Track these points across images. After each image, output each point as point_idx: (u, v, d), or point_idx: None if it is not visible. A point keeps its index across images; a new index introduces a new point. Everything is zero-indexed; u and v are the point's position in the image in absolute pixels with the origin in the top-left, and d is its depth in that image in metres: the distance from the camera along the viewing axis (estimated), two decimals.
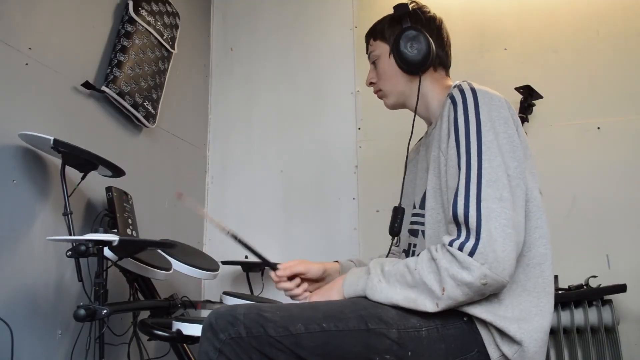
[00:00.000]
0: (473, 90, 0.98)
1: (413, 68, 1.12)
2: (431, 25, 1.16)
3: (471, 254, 0.85)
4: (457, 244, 0.87)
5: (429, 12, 1.18)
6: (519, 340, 0.89)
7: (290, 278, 1.15)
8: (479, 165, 0.91)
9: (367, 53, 1.23)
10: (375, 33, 1.20)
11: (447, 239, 0.90)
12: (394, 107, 1.22)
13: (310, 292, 1.15)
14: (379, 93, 1.22)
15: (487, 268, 0.85)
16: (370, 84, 1.23)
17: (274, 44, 2.49)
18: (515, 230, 0.88)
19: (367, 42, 1.23)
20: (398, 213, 1.14)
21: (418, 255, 0.95)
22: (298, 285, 1.15)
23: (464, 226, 0.88)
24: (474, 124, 0.94)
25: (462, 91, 0.99)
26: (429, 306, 0.90)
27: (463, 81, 1.04)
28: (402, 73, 1.15)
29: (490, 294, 0.90)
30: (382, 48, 1.18)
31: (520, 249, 0.90)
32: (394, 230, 1.14)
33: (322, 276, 1.19)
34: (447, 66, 1.20)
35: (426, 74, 1.14)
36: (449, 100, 1.01)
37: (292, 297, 1.15)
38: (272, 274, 1.14)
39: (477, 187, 0.89)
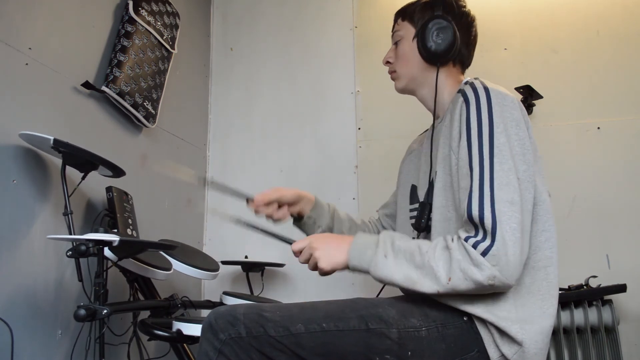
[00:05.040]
0: (486, 90, 0.97)
1: (432, 58, 1.11)
2: (462, 20, 1.14)
3: (484, 254, 0.85)
4: (472, 241, 0.87)
5: (464, 6, 1.16)
6: (519, 341, 0.89)
7: (268, 207, 1.23)
8: (491, 168, 0.90)
9: (392, 31, 1.21)
10: (405, 14, 1.18)
11: (463, 234, 0.90)
12: (403, 91, 1.21)
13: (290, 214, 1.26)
14: (393, 74, 1.21)
15: (497, 270, 0.85)
16: (387, 62, 1.21)
17: (274, 44, 2.49)
18: (522, 234, 0.88)
19: (395, 21, 1.21)
20: (425, 209, 1.06)
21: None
22: (278, 210, 1.23)
23: (480, 227, 0.88)
24: (487, 125, 0.93)
25: (475, 89, 0.98)
26: (428, 289, 0.90)
27: (475, 78, 1.02)
28: (420, 59, 1.13)
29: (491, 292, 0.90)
30: (407, 30, 1.16)
31: (527, 253, 0.90)
32: (421, 226, 1.06)
33: (296, 200, 1.26)
34: (466, 64, 1.18)
35: (444, 67, 1.13)
36: (460, 98, 0.99)
37: (274, 220, 1.23)
38: (249, 204, 1.23)
39: (490, 190, 0.89)
